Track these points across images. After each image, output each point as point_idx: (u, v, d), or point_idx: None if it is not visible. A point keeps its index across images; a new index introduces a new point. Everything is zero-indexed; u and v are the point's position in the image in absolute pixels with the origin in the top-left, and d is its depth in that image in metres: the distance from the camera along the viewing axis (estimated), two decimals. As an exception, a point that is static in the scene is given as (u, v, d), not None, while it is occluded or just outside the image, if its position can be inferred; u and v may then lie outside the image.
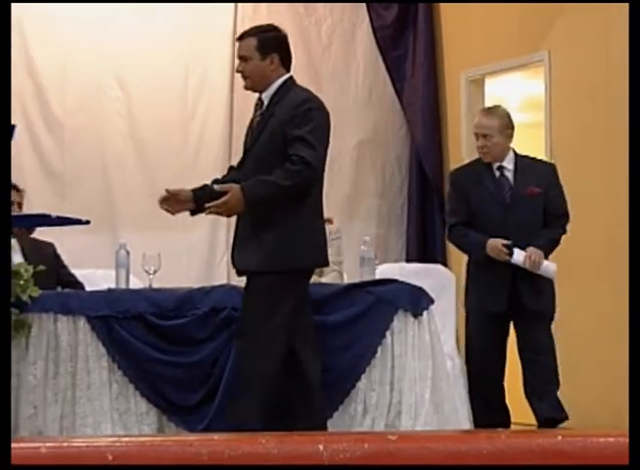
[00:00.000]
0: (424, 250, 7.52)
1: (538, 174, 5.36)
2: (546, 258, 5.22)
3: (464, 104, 7.43)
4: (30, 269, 4.82)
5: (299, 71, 7.67)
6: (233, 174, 4.74)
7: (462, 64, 7.48)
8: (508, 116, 5.41)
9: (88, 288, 5.39)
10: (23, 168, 7.00)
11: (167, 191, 4.62)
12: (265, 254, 4.49)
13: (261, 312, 4.46)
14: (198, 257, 7.40)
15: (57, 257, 5.69)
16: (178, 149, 7.46)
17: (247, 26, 7.49)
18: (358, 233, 6.60)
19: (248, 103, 7.53)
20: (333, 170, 7.51)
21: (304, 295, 4.62)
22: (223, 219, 7.46)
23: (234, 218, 4.77)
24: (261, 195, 4.44)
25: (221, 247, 7.47)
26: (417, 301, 4.93)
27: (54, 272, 5.50)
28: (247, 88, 4.72)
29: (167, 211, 4.65)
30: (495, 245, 5.19)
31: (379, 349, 4.87)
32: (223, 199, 4.40)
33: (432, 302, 4.97)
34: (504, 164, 5.32)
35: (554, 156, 6.62)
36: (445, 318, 5.83)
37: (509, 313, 5.28)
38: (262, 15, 7.57)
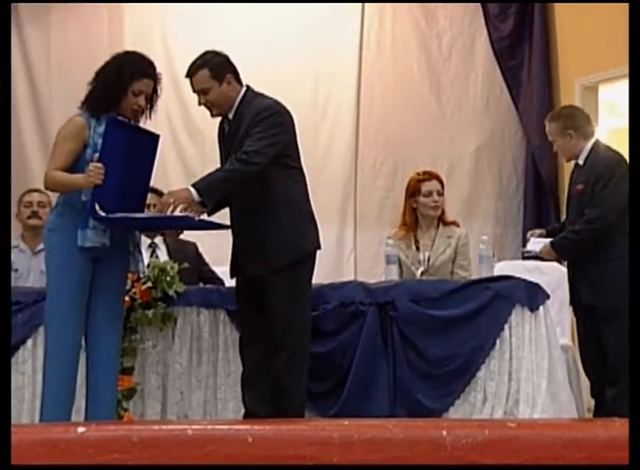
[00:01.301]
0: (539, 248, 7.42)
1: (592, 170, 5.01)
2: (562, 253, 5.09)
3: (578, 110, 7.29)
4: (176, 267, 4.90)
5: (422, 81, 7.72)
6: None
7: (576, 71, 7.34)
8: (566, 116, 5.14)
9: (227, 284, 5.45)
10: (168, 174, 7.12)
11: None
12: (268, 252, 4.42)
13: (291, 307, 4.42)
14: (327, 254, 7.36)
15: (199, 255, 5.76)
16: (308, 152, 7.46)
17: (373, 33, 7.59)
18: (477, 233, 6.54)
19: (374, 100, 7.60)
20: (453, 174, 7.50)
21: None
22: (351, 218, 7.51)
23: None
24: (204, 182, 4.31)
25: (349, 244, 7.48)
26: (533, 296, 4.87)
27: (196, 270, 5.57)
28: (214, 115, 4.58)
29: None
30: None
31: (497, 341, 4.83)
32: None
33: (547, 297, 4.91)
34: (579, 161, 5.13)
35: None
36: (561, 313, 5.74)
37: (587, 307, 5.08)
38: (387, 23, 7.61)
